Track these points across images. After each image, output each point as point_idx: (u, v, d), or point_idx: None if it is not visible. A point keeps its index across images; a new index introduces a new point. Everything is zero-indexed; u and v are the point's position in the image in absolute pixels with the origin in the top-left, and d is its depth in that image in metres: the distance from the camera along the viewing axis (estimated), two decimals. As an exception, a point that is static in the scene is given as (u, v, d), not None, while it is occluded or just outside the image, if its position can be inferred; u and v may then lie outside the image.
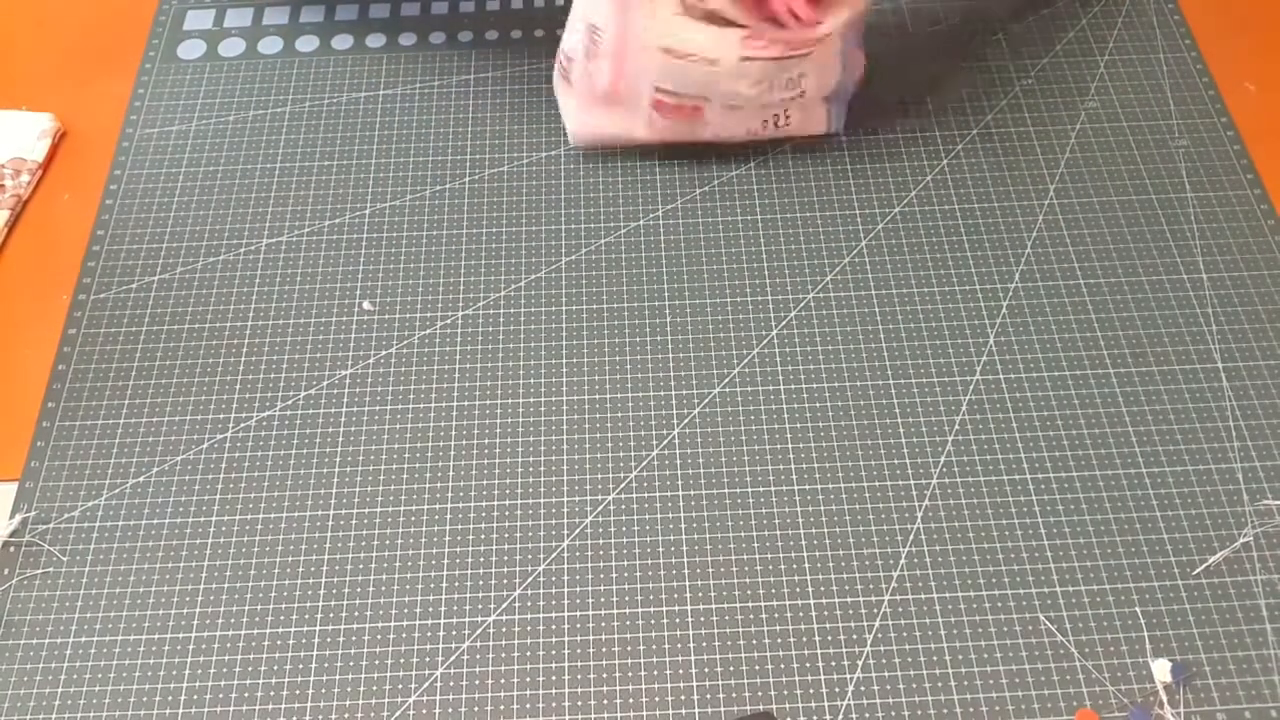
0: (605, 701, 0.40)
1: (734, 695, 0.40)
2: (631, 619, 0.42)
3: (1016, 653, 0.41)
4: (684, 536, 0.43)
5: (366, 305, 0.50)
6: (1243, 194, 0.52)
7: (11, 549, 0.44)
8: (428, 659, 0.41)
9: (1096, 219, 0.52)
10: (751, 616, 0.42)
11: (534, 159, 0.55)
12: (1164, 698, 0.39)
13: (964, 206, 0.52)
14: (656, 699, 0.40)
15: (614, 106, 0.51)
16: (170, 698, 0.40)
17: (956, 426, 0.46)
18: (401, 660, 0.41)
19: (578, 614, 0.42)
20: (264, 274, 0.51)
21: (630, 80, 0.50)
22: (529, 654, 0.41)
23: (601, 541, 0.43)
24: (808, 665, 0.40)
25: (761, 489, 0.44)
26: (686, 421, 0.46)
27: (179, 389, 0.48)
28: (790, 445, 0.46)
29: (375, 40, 0.60)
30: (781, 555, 0.43)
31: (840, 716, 0.39)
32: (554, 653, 0.41)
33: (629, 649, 0.41)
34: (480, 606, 0.42)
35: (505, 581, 0.43)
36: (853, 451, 0.45)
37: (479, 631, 0.42)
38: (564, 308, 0.50)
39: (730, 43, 0.47)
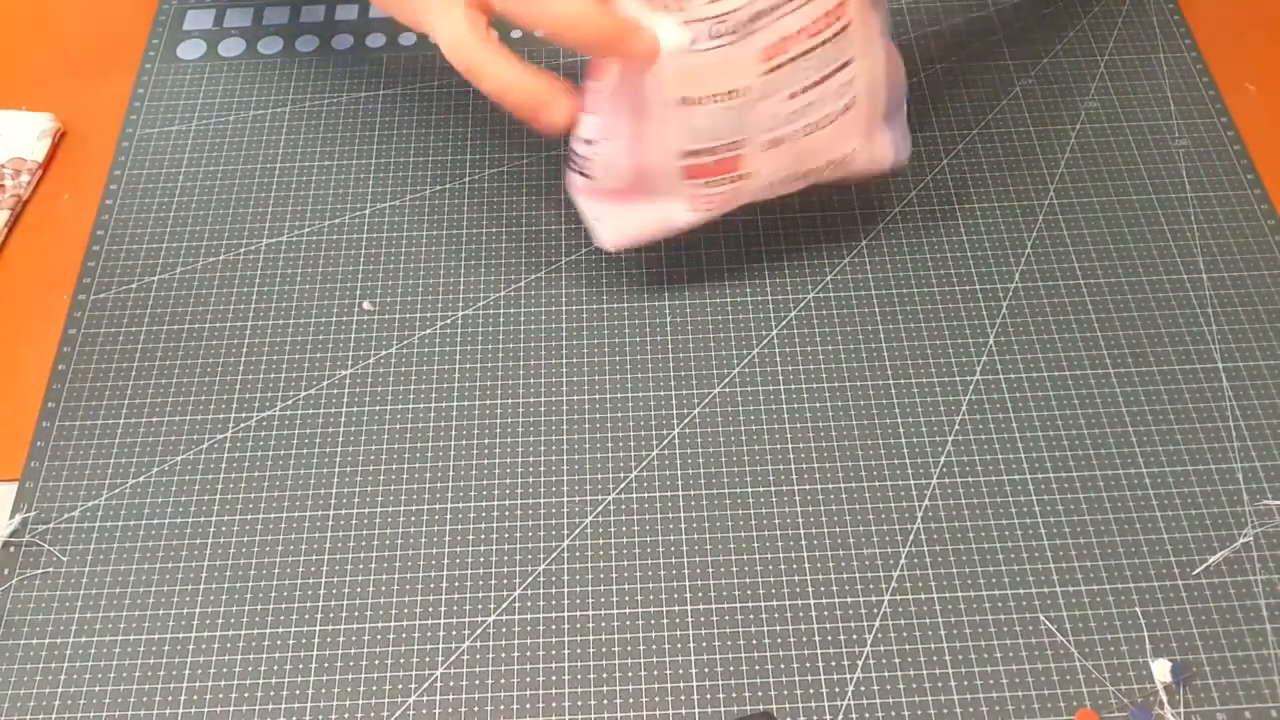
0: (605, 701, 0.40)
1: (734, 695, 0.40)
2: (631, 619, 0.42)
3: (1016, 653, 0.41)
4: (684, 536, 0.43)
5: (366, 305, 0.50)
6: (1243, 194, 0.52)
7: (11, 549, 0.44)
8: (428, 659, 0.41)
9: (1096, 219, 0.52)
10: (751, 616, 0.42)
11: (534, 159, 0.55)
12: (1164, 698, 0.39)
13: (964, 206, 0.52)
14: (656, 699, 0.40)
15: (646, 195, 0.45)
16: (170, 698, 0.40)
17: (956, 426, 0.46)
18: (401, 660, 0.41)
19: (578, 614, 0.42)
20: (264, 274, 0.51)
21: (653, 155, 0.43)
22: (529, 654, 0.41)
23: (601, 541, 0.43)
24: (808, 665, 0.40)
25: (761, 489, 0.44)
26: (686, 421, 0.46)
27: (179, 389, 0.48)
28: (790, 445, 0.46)
29: (375, 40, 0.60)
30: (781, 555, 0.43)
31: (840, 716, 0.39)
32: (554, 653, 0.41)
33: (629, 649, 0.41)
34: (480, 606, 0.42)
35: (505, 581, 0.43)
36: (853, 451, 0.45)
37: (479, 631, 0.42)
38: (564, 308, 0.50)
39: (747, 58, 0.41)
